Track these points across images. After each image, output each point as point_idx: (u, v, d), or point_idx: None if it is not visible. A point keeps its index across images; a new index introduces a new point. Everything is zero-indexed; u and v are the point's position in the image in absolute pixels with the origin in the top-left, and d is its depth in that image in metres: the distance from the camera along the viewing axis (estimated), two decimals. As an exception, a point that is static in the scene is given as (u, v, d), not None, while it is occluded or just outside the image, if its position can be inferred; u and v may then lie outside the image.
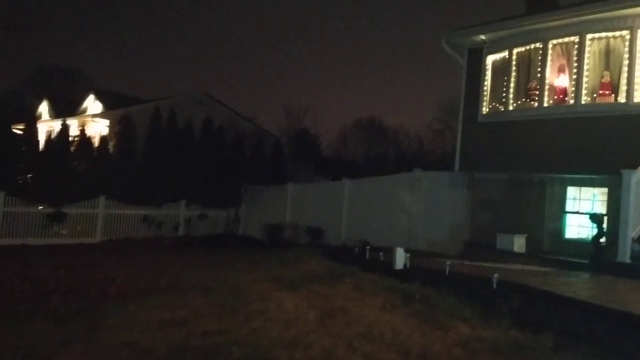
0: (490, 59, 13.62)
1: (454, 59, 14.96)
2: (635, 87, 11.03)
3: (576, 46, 11.75)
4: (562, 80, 12.25)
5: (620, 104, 11.17)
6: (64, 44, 72.62)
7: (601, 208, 11.94)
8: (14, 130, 22.51)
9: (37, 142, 22.87)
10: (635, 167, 9.99)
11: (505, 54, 13.13)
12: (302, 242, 17.54)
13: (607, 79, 11.53)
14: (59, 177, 19.78)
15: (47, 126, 30.38)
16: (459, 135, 14.56)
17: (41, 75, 46.44)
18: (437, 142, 41.62)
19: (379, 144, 47.08)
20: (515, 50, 12.89)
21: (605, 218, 11.18)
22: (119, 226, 19.10)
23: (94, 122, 28.46)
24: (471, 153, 13.96)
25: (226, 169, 20.86)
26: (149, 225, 19.73)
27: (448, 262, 9.51)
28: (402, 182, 16.13)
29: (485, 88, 13.63)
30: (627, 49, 11.14)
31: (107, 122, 27.84)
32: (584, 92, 11.63)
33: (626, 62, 11.14)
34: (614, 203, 11.03)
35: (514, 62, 12.89)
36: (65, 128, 22.33)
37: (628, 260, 9.74)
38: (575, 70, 11.74)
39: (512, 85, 12.91)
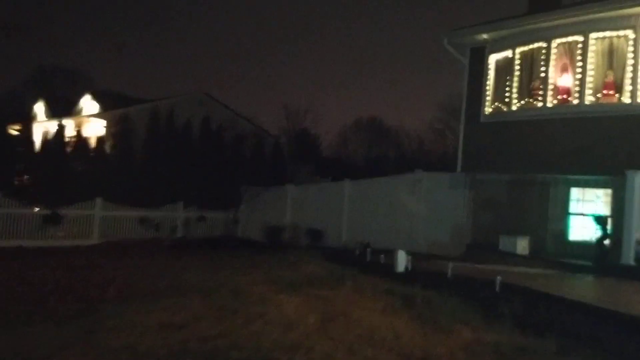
0: (492, 59, 13.64)
1: (455, 59, 14.98)
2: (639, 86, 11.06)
3: (580, 45, 11.77)
4: (566, 80, 12.27)
5: (625, 103, 11.19)
6: (64, 44, 72.67)
7: (605, 209, 11.94)
8: (11, 131, 22.52)
9: (34, 143, 22.87)
10: (639, 168, 10.00)
11: (508, 53, 13.15)
12: (302, 243, 17.54)
13: (611, 78, 11.55)
14: (55, 178, 19.79)
15: (43, 127, 30.39)
16: (461, 135, 14.58)
17: (41, 76, 46.44)
18: (438, 142, 41.61)
19: (379, 144, 47.05)
20: (518, 50, 12.91)
21: (609, 220, 11.19)
22: (117, 228, 19.09)
23: (91, 123, 28.46)
24: (473, 153, 13.98)
25: (225, 170, 20.86)
26: (147, 226, 19.72)
27: (450, 264, 9.52)
28: (403, 183, 16.13)
29: (487, 88, 13.65)
30: (631, 49, 11.16)
31: (104, 122, 27.84)
32: (587, 91, 11.64)
33: (630, 61, 11.15)
34: (618, 204, 11.04)
35: (517, 62, 12.91)
36: (62, 129, 22.34)
37: (632, 263, 9.76)
38: (579, 70, 11.76)
39: (515, 84, 12.93)
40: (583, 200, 12.52)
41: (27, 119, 24.92)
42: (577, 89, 11.80)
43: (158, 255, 14.54)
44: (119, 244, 17.82)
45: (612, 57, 11.56)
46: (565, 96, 12.26)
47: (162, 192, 20.37)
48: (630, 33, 11.18)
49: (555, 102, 12.26)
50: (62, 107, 32.74)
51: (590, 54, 11.63)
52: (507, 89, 13.08)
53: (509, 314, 6.70)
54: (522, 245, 12.14)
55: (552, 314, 6.71)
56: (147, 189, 20.23)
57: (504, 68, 13.31)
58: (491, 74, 13.64)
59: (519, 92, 12.89)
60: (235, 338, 5.81)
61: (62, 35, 74.59)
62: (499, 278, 7.97)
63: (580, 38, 11.77)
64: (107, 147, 22.85)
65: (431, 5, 78.72)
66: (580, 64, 11.72)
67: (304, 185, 20.50)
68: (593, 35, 11.62)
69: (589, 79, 11.66)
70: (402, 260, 9.97)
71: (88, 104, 32.68)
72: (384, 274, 9.60)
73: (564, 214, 12.62)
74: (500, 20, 13.93)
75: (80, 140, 22.52)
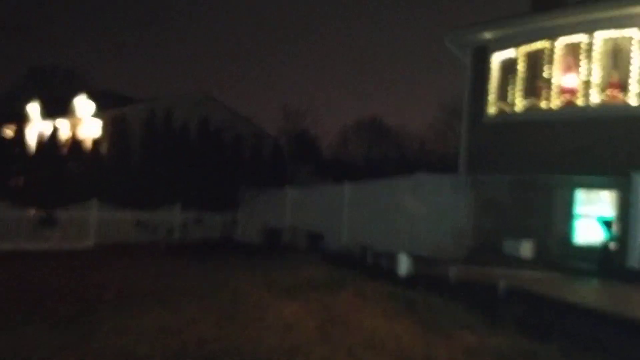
0: (495, 58, 13.64)
1: (457, 58, 14.99)
2: (645, 86, 11.07)
3: (585, 45, 11.77)
4: (570, 80, 12.27)
5: (630, 105, 11.19)
6: (61, 44, 72.66)
7: (610, 212, 11.93)
8: (6, 132, 22.54)
9: (29, 143, 22.88)
10: (645, 170, 10.00)
11: (511, 52, 13.15)
12: (302, 246, 17.52)
13: (616, 78, 11.55)
14: (51, 179, 19.80)
15: (39, 127, 30.41)
16: (463, 136, 14.57)
17: (37, 76, 46.48)
18: (439, 142, 41.60)
19: (379, 144, 47.06)
20: (521, 49, 12.91)
21: (615, 222, 11.18)
22: (113, 230, 19.06)
23: (87, 123, 28.47)
24: (475, 154, 13.97)
25: (224, 171, 20.88)
26: (144, 229, 19.70)
27: (452, 268, 9.51)
28: (404, 185, 16.09)
29: (490, 88, 13.65)
30: (636, 48, 11.16)
31: (101, 122, 27.85)
32: (592, 92, 11.65)
33: (637, 61, 11.15)
34: (624, 206, 11.04)
35: (520, 62, 12.92)
36: (57, 129, 22.36)
37: (638, 266, 9.74)
38: (583, 70, 11.76)
39: (518, 85, 12.93)
40: (588, 203, 12.51)
41: (23, 120, 24.96)
42: (581, 89, 11.81)
43: (155, 258, 14.53)
44: (115, 246, 17.81)
45: (618, 57, 11.57)
46: (569, 96, 12.27)
47: (159, 194, 20.37)
48: (636, 32, 11.18)
49: (559, 102, 12.26)
50: (58, 107, 32.75)
51: (595, 54, 11.64)
52: (510, 89, 13.09)
53: (512, 318, 6.69)
54: (526, 248, 12.13)
55: (556, 318, 6.70)
56: (144, 190, 20.23)
57: (507, 68, 13.32)
58: (494, 73, 13.65)
59: (522, 93, 12.90)
60: (233, 342, 5.81)
61: (60, 34, 74.66)
62: (502, 282, 7.96)
63: (585, 37, 11.79)
64: (104, 148, 22.86)
65: (432, 5, 78.82)
66: (585, 64, 11.73)
67: (303, 187, 20.49)
68: (598, 34, 11.63)
69: (593, 79, 11.66)
70: (403, 264, 9.96)
71: (84, 104, 32.67)
72: (385, 277, 9.59)
73: (568, 216, 12.60)
74: (503, 19, 13.93)
75: (76, 141, 22.54)
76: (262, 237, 18.91)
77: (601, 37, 11.65)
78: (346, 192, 17.76)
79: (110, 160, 22.06)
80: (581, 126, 11.81)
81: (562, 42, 12.22)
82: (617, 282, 9.57)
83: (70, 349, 5.52)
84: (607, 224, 10.73)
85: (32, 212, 17.76)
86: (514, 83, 13.00)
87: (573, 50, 12.16)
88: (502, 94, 13.38)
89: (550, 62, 12.25)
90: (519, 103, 12.92)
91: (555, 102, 12.24)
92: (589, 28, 11.70)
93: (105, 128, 26.28)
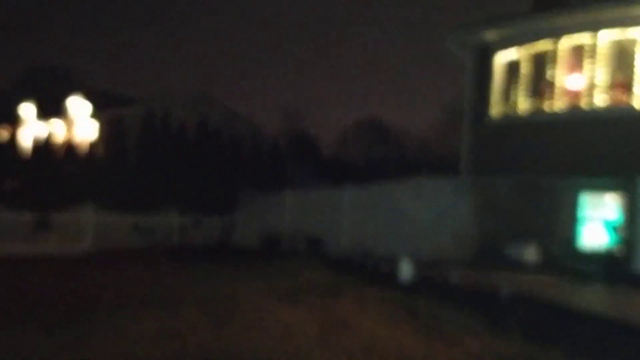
0: (498, 58, 13.64)
1: (458, 58, 15.00)
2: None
3: (589, 45, 11.78)
4: (575, 81, 12.28)
5: (635, 107, 11.20)
6: (60, 44, 72.80)
7: (616, 215, 11.93)
8: (2, 132, 22.56)
9: (25, 145, 22.90)
10: (650, 173, 10.01)
11: (515, 52, 13.16)
12: (301, 250, 17.50)
13: (622, 79, 11.56)
14: (46, 182, 19.80)
15: (34, 128, 30.42)
16: (465, 137, 14.56)
17: (32, 76, 46.45)
18: (441, 143, 41.58)
19: (380, 144, 47.06)
20: (524, 49, 12.92)
21: (620, 226, 11.18)
22: (109, 234, 19.00)
23: (83, 124, 28.49)
24: (478, 156, 13.97)
25: (222, 173, 20.88)
26: (141, 232, 19.69)
27: (454, 272, 9.52)
28: (406, 188, 16.11)
29: (492, 89, 13.64)
30: (640, 49, 11.19)
31: (97, 123, 27.87)
32: (597, 93, 11.65)
33: (640, 62, 11.18)
34: (630, 210, 11.04)
35: (523, 62, 12.92)
36: (53, 130, 22.38)
37: (644, 270, 9.74)
38: (588, 71, 11.77)
39: (521, 85, 12.94)
40: (593, 206, 12.49)
41: (18, 121, 24.96)
42: (586, 90, 11.81)
43: (152, 262, 14.51)
44: (112, 250, 17.78)
45: (623, 58, 11.58)
46: (574, 97, 12.28)
47: (157, 196, 20.37)
48: (639, 33, 11.19)
49: (563, 103, 12.27)
50: (55, 108, 32.76)
51: (599, 54, 11.64)
52: (513, 89, 13.09)
53: (515, 324, 6.68)
54: (529, 252, 12.12)
55: (561, 323, 6.71)
56: (141, 193, 20.23)
57: (510, 68, 13.33)
58: (496, 74, 13.64)
59: (525, 93, 12.90)
60: (232, 347, 5.81)
61: (57, 34, 74.87)
62: (505, 287, 7.96)
63: (589, 37, 11.78)
64: (100, 150, 22.88)
65: (434, 4, 78.91)
66: (590, 64, 11.73)
67: (303, 189, 20.49)
68: (602, 35, 11.63)
69: (598, 80, 11.67)
70: (404, 268, 9.96)
71: (81, 104, 32.69)
72: (386, 282, 9.59)
73: (573, 219, 12.60)
74: (506, 18, 13.94)
75: (71, 142, 22.56)
76: (261, 240, 18.90)
77: (605, 37, 11.66)
78: (346, 195, 17.76)
79: (107, 162, 22.07)
80: (586, 128, 11.82)
81: (565, 42, 12.23)
82: (623, 287, 9.57)
83: (67, 352, 5.53)
84: (613, 227, 10.74)
85: (28, 215, 17.75)
86: (517, 84, 13.01)
87: (577, 51, 12.17)
88: (505, 95, 13.38)
89: (554, 62, 12.25)
90: (522, 104, 12.92)
91: (559, 103, 12.24)
92: (593, 28, 11.72)
93: (102, 129, 26.29)
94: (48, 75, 47.46)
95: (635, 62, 11.28)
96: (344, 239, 17.42)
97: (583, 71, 11.96)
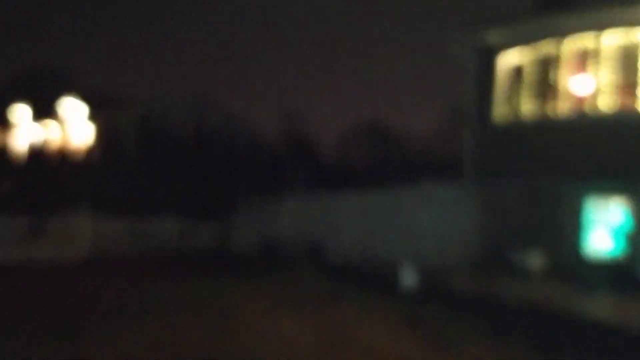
0: (501, 60, 13.57)
1: (461, 60, 14.94)
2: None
3: (593, 47, 11.73)
4: (580, 84, 12.22)
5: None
6: (56, 45, 72.80)
7: (622, 220, 11.86)
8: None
9: (19, 148, 22.87)
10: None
11: (518, 54, 13.10)
12: (301, 257, 17.45)
13: (628, 82, 11.51)
14: (41, 185, 19.77)
15: (29, 131, 30.40)
16: (468, 141, 14.48)
17: (32, 78, 46.38)
18: (443, 146, 41.54)
19: (381, 147, 47.05)
20: (527, 50, 12.86)
21: (627, 232, 11.12)
22: (106, 239, 18.95)
23: (80, 127, 28.46)
24: (481, 160, 13.89)
25: (220, 177, 20.84)
26: (137, 238, 19.63)
27: (458, 280, 9.47)
28: (407, 192, 16.06)
29: (496, 91, 13.58)
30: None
31: (94, 126, 27.84)
32: (602, 96, 11.61)
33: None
34: (637, 215, 10.99)
35: (526, 63, 12.87)
36: (49, 133, 22.35)
37: (651, 278, 9.69)
38: (593, 73, 11.72)
39: (525, 88, 12.89)
40: (598, 211, 12.41)
41: (12, 123, 24.94)
42: (592, 92, 11.76)
43: (149, 269, 14.48)
44: (108, 256, 17.72)
45: (629, 61, 11.52)
46: (578, 100, 12.22)
47: (153, 202, 20.32)
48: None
49: (568, 106, 12.21)
50: (49, 110, 32.74)
51: (603, 56, 11.60)
52: (517, 92, 13.04)
53: (520, 333, 6.63)
54: (534, 259, 12.05)
55: (566, 332, 6.66)
56: (138, 197, 20.19)
57: (513, 70, 13.27)
58: (499, 76, 13.57)
59: (529, 96, 12.85)
60: (229, 356, 5.77)
61: (54, 36, 74.81)
62: (510, 294, 7.92)
63: (593, 39, 11.73)
64: (96, 153, 22.85)
65: (436, 6, 79.01)
66: (593, 66, 11.69)
67: (302, 193, 20.44)
68: (607, 36, 11.58)
69: (604, 82, 11.62)
70: (407, 275, 9.91)
71: (77, 106, 32.66)
72: (387, 290, 9.55)
73: (579, 225, 12.51)
74: (508, 19, 13.86)
75: (67, 145, 22.53)
76: (260, 246, 18.83)
77: (610, 38, 11.61)
78: (347, 200, 17.70)
79: (104, 166, 22.05)
80: (591, 131, 11.76)
81: (569, 43, 12.17)
82: (629, 294, 9.50)
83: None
84: (619, 233, 10.68)
85: (23, 219, 17.69)
86: (520, 86, 12.95)
87: (581, 52, 12.11)
88: (508, 97, 13.32)
89: (558, 64, 12.20)
90: (526, 107, 12.87)
91: (563, 105, 12.19)
92: (597, 29, 11.67)
93: (98, 132, 26.28)
94: (44, 76, 47.47)
95: (639, 65, 11.25)
96: (345, 245, 17.35)
97: (587, 73, 11.91)
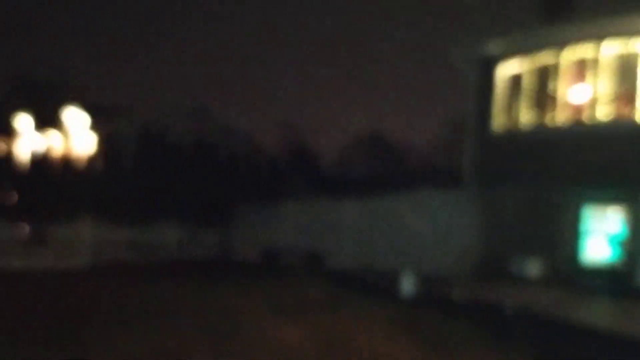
0: (501, 71, 13.71)
1: (461, 71, 15.08)
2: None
3: (592, 58, 11.86)
4: (578, 94, 12.34)
5: (638, 121, 11.28)
6: (57, 54, 73.04)
7: (620, 229, 11.95)
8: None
9: (21, 158, 22.97)
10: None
11: (517, 64, 13.24)
12: (301, 265, 17.51)
13: (626, 92, 11.63)
14: (43, 195, 19.85)
15: (31, 141, 30.50)
16: (467, 151, 14.60)
17: (28, 87, 46.49)
18: (443, 156, 41.62)
19: (381, 157, 47.11)
20: (527, 61, 12.99)
21: (624, 240, 11.21)
22: (107, 248, 19.00)
23: (81, 137, 28.56)
24: (480, 169, 14.00)
25: (220, 186, 20.92)
26: (139, 246, 19.68)
27: (457, 287, 9.55)
28: (407, 201, 16.15)
29: (496, 102, 13.71)
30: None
31: (95, 136, 27.95)
32: (601, 106, 11.73)
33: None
34: (634, 223, 11.08)
35: (526, 74, 13.00)
36: (50, 143, 22.45)
37: (649, 285, 9.77)
38: (591, 84, 11.85)
39: (525, 98, 13.01)
40: (596, 220, 12.51)
41: (13, 133, 25.02)
42: (590, 103, 11.89)
43: (150, 277, 14.54)
44: (109, 265, 17.78)
45: (626, 72, 11.64)
46: (577, 110, 12.34)
47: (153, 211, 20.40)
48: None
49: (566, 116, 12.33)
50: (51, 120, 32.84)
51: (602, 67, 11.72)
52: (517, 102, 13.17)
53: (519, 340, 6.73)
54: (533, 266, 12.13)
55: (565, 339, 6.75)
56: (139, 205, 20.27)
57: (513, 80, 13.40)
58: (499, 86, 13.69)
59: (528, 106, 12.97)
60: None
61: (54, 44, 75.13)
62: (508, 301, 8.01)
63: (592, 50, 11.86)
64: (98, 163, 22.95)
65: (436, 18, 79.31)
66: (592, 77, 11.81)
67: (302, 203, 20.51)
68: (606, 47, 11.71)
69: (602, 93, 11.74)
70: (406, 283, 10.01)
71: (78, 116, 32.76)
72: (387, 297, 9.63)
73: (577, 233, 12.60)
74: (508, 30, 14.01)
75: (68, 155, 22.62)
76: (260, 255, 18.87)
77: (608, 49, 11.75)
78: (347, 209, 17.78)
79: (105, 176, 22.15)
80: (589, 140, 11.86)
81: (568, 54, 12.31)
82: (627, 301, 9.59)
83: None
84: (616, 241, 10.78)
85: (25, 228, 17.77)
86: (519, 96, 13.08)
87: (580, 63, 12.24)
88: (508, 108, 13.45)
89: (557, 74, 12.34)
90: (526, 117, 12.99)
91: (562, 116, 12.31)
92: (596, 39, 11.80)
93: (99, 142, 26.38)
94: (45, 85, 47.59)
95: (639, 75, 11.35)
96: (345, 253, 17.41)
97: (586, 83, 12.03)
